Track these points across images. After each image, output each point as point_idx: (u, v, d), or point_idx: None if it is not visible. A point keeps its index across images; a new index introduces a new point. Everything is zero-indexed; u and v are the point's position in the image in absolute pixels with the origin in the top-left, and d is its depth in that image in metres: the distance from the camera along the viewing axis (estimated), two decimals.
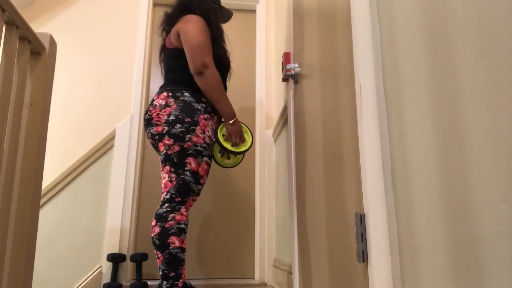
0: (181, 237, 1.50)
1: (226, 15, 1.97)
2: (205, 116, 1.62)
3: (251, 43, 2.76)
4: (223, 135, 1.70)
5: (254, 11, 2.83)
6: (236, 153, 1.70)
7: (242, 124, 1.76)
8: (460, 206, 0.56)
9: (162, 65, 1.83)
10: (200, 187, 1.59)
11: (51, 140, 2.36)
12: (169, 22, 1.79)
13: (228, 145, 1.68)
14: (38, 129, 1.22)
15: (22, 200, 1.15)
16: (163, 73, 1.78)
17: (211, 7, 1.79)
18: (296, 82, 1.68)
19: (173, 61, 1.71)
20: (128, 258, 2.22)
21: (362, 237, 0.85)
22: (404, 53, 0.75)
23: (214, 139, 1.70)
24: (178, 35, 1.68)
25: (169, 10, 1.83)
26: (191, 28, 1.64)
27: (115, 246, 2.21)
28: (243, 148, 1.72)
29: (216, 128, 1.71)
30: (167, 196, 1.54)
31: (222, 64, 1.74)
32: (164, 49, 1.82)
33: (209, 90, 1.62)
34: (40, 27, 2.55)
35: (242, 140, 1.73)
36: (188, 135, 1.55)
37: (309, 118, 1.42)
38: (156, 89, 2.58)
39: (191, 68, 1.62)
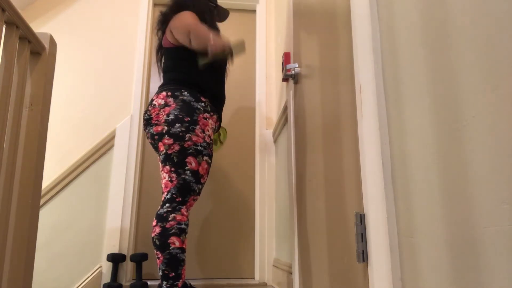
0: (181, 238, 1.49)
1: (223, 14, 1.97)
2: (204, 115, 1.62)
3: (251, 43, 2.76)
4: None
5: (254, 11, 2.83)
6: None
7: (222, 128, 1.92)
8: (460, 206, 0.56)
9: (159, 64, 1.83)
10: (200, 186, 1.59)
11: (51, 140, 2.36)
12: (164, 21, 1.79)
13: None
14: (38, 129, 1.22)
15: (22, 200, 1.15)
16: (160, 73, 1.78)
17: (206, 6, 1.79)
18: (296, 82, 1.68)
19: (170, 60, 1.71)
20: (128, 258, 2.22)
21: (362, 237, 0.85)
22: (404, 53, 0.75)
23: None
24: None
25: (164, 10, 1.83)
26: (181, 17, 1.65)
27: (115, 246, 2.21)
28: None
29: (216, 128, 1.73)
30: (168, 196, 1.54)
31: (220, 63, 1.74)
32: (160, 48, 1.82)
33: (199, 44, 1.59)
34: (40, 27, 2.55)
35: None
36: (188, 135, 1.55)
37: (309, 118, 1.42)
38: (156, 89, 2.58)
39: (206, 48, 1.58)
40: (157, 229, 1.49)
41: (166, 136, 1.56)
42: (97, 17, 2.62)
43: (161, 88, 1.68)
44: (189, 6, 1.74)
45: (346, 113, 1.01)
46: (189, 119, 1.57)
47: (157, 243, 1.48)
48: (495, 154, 0.49)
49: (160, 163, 1.62)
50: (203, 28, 1.59)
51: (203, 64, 1.69)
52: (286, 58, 1.88)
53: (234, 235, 2.43)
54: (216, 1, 1.91)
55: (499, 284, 0.48)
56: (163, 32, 1.79)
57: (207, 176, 1.63)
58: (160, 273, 1.48)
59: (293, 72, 1.66)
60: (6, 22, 1.09)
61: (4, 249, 1.05)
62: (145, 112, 1.67)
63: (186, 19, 1.64)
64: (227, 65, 1.82)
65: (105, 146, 2.37)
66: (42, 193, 2.25)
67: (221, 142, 1.89)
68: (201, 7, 1.76)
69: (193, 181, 1.55)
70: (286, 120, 2.04)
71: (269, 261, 2.32)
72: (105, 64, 2.54)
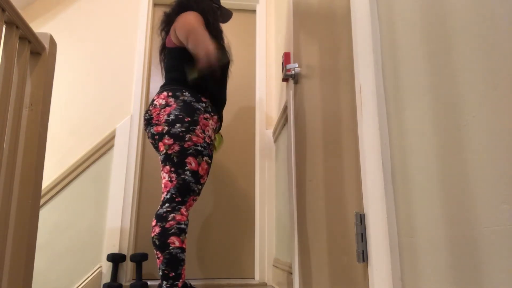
0: (181, 237, 1.49)
1: (226, 15, 1.97)
2: (205, 115, 1.62)
3: (251, 43, 2.76)
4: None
5: (254, 11, 2.83)
6: None
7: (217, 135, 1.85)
8: (460, 206, 0.56)
9: (162, 64, 1.83)
10: (200, 187, 1.59)
11: (51, 140, 2.36)
12: (168, 22, 1.80)
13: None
14: (38, 129, 1.22)
15: (22, 200, 1.15)
16: (163, 73, 1.78)
17: (210, 7, 1.79)
18: (296, 82, 1.68)
19: (172, 61, 1.71)
20: (128, 258, 2.22)
21: (362, 237, 0.85)
22: (404, 53, 0.75)
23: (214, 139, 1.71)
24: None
25: (168, 10, 1.83)
26: (185, 17, 1.64)
27: (115, 246, 2.21)
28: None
29: (217, 128, 1.74)
30: (167, 196, 1.54)
31: (223, 64, 1.73)
32: (164, 49, 1.83)
33: (195, 47, 1.54)
34: (40, 27, 2.55)
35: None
36: (188, 135, 1.55)
37: (309, 118, 1.42)
38: (156, 89, 2.59)
39: (199, 55, 1.52)
40: (157, 229, 1.49)
41: (166, 136, 1.56)
42: (97, 17, 2.62)
43: (162, 88, 1.68)
44: (192, 7, 1.74)
45: (346, 113, 1.01)
46: (189, 119, 1.57)
47: (157, 243, 1.48)
48: (495, 154, 0.49)
49: (160, 163, 1.62)
50: (203, 32, 1.56)
51: (192, 79, 1.66)
52: (286, 58, 1.88)
53: (234, 235, 2.43)
54: (219, 2, 1.91)
55: (499, 284, 0.48)
56: (167, 33, 1.79)
57: (206, 177, 1.64)
58: (160, 273, 1.48)
59: (293, 72, 1.66)
60: (6, 22, 1.09)
61: (4, 249, 1.05)
62: (146, 112, 1.67)
63: (189, 19, 1.63)
64: (229, 66, 1.82)
65: (105, 146, 2.37)
66: (42, 193, 2.25)
67: (215, 149, 1.85)
68: (204, 8, 1.76)
69: (193, 181, 1.56)
70: (286, 120, 2.04)
71: (269, 261, 2.32)
72: (105, 64, 2.54)
